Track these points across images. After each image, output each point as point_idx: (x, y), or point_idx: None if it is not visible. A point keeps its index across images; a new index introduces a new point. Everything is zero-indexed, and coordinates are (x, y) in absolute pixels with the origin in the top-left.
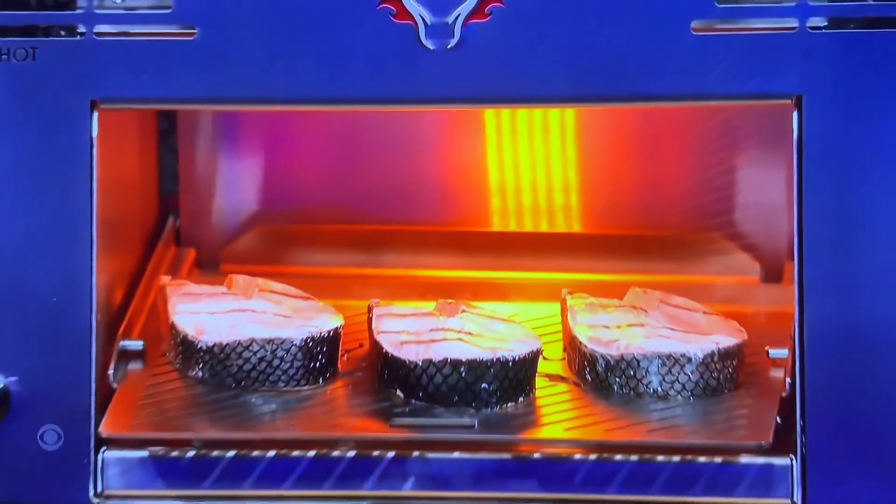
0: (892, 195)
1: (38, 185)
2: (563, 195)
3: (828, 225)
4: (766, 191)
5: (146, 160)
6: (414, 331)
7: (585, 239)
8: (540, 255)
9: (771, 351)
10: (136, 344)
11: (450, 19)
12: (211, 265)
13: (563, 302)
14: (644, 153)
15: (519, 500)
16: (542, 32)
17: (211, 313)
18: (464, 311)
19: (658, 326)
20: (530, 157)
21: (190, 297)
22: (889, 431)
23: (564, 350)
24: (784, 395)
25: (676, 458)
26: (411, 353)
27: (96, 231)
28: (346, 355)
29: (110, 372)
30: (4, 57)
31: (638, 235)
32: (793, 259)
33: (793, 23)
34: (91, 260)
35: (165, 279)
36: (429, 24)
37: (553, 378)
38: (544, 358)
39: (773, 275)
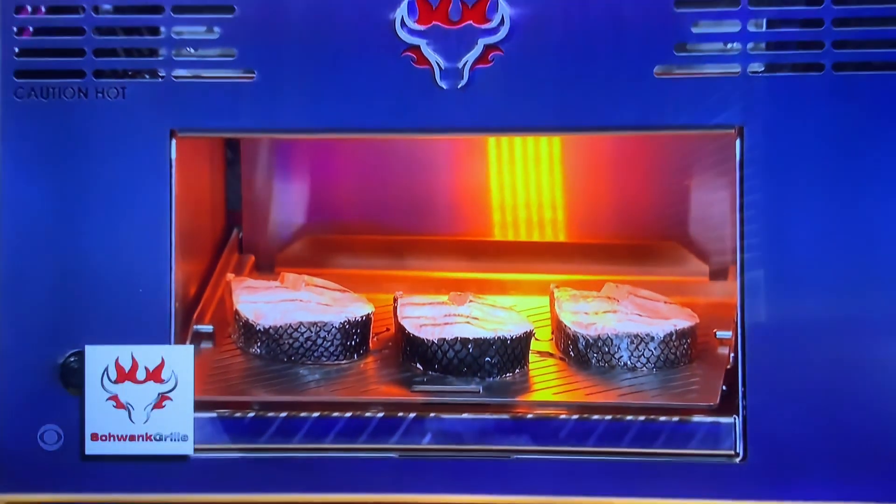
0: (816, 210)
1: (127, 199)
2: (551, 211)
3: (763, 233)
4: (713, 207)
5: (216, 182)
6: (431, 316)
7: (569, 246)
8: (532, 259)
9: (718, 332)
10: (206, 328)
11: (460, 64)
12: (267, 268)
13: (552, 294)
14: (616, 177)
15: (516, 452)
16: (534, 75)
17: (267, 302)
18: (471, 300)
19: (628, 312)
20: (524, 180)
21: (250, 289)
22: (812, 393)
23: (552, 332)
24: (729, 367)
25: (642, 418)
26: (429, 334)
27: (174, 237)
28: (375, 336)
29: None
30: (100, 95)
31: (612, 244)
32: (735, 261)
33: (736, 68)
34: (170, 260)
35: (230, 276)
36: (443, 68)
37: (543, 354)
38: (536, 338)
39: (719, 274)
